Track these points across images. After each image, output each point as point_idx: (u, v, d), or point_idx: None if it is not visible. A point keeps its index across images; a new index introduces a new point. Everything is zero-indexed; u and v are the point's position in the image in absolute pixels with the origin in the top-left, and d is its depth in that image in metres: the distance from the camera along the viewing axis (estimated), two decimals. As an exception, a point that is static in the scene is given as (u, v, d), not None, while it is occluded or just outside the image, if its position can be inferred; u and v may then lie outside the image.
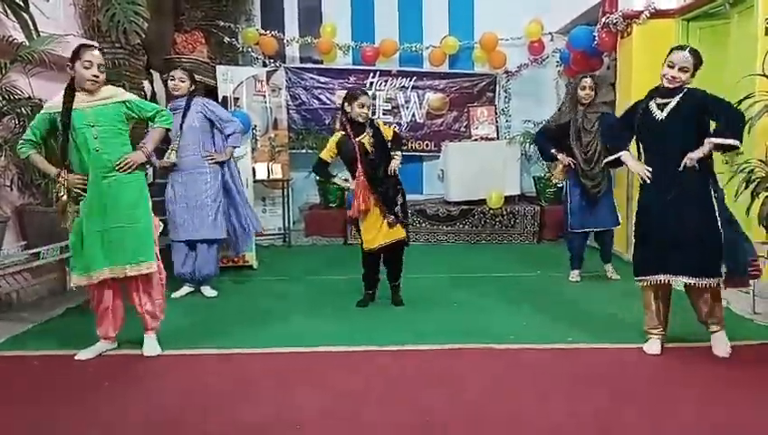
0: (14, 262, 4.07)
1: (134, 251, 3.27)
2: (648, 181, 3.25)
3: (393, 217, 4.15)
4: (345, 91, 4.62)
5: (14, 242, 4.31)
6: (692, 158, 3.10)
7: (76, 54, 3.15)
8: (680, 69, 3.18)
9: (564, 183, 5.13)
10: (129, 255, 3.26)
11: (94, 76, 3.14)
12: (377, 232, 4.16)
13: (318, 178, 4.55)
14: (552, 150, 4.98)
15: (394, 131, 4.38)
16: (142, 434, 2.48)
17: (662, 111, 3.24)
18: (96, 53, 3.19)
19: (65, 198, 3.19)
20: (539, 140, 5.29)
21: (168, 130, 3.55)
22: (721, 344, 3.26)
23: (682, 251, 3.13)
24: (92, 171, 3.18)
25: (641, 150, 3.41)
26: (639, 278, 3.33)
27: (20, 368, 3.24)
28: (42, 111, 3.24)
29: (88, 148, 3.16)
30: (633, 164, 3.39)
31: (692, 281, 3.17)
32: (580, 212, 4.91)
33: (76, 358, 3.29)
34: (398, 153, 4.26)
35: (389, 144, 4.26)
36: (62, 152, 3.19)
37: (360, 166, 4.10)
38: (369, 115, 4.20)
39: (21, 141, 3.24)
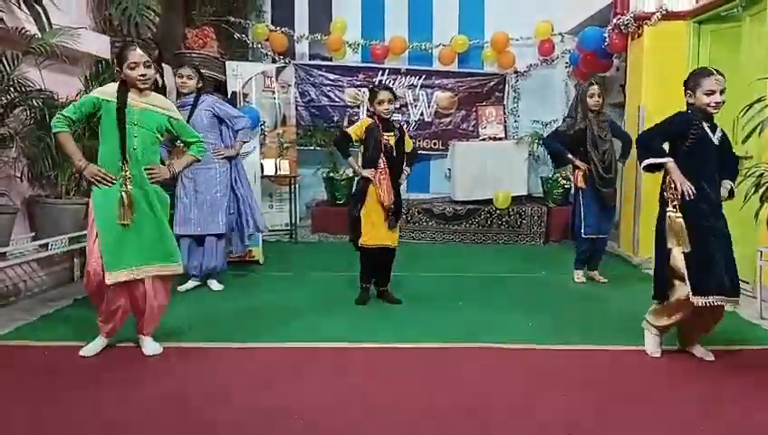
0: (23, 252, 4.10)
1: (165, 251, 3.28)
2: (690, 198, 3.11)
3: (394, 218, 4.19)
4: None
5: (23, 233, 4.34)
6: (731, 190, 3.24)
7: (121, 57, 3.17)
8: (721, 92, 3.15)
9: (573, 188, 5.12)
10: (160, 254, 3.26)
11: (142, 75, 3.16)
12: (378, 230, 4.17)
13: (336, 148, 4.45)
14: (570, 156, 4.95)
15: (413, 146, 4.49)
16: (147, 424, 2.49)
17: (714, 135, 3.23)
18: (139, 51, 3.18)
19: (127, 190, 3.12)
20: (552, 145, 5.15)
21: (198, 160, 3.55)
22: (703, 351, 3.30)
23: (729, 272, 3.12)
24: (131, 169, 3.16)
25: (687, 172, 3.20)
26: (705, 298, 3.07)
27: (26, 358, 3.25)
28: (91, 94, 3.19)
29: (128, 145, 3.15)
30: (679, 176, 3.13)
31: (737, 299, 3.16)
32: (594, 219, 4.90)
33: (80, 354, 3.23)
34: (408, 169, 4.39)
35: (405, 154, 4.30)
36: (122, 143, 3.12)
37: (383, 159, 4.12)
38: (392, 111, 4.19)
39: (59, 116, 3.12)
